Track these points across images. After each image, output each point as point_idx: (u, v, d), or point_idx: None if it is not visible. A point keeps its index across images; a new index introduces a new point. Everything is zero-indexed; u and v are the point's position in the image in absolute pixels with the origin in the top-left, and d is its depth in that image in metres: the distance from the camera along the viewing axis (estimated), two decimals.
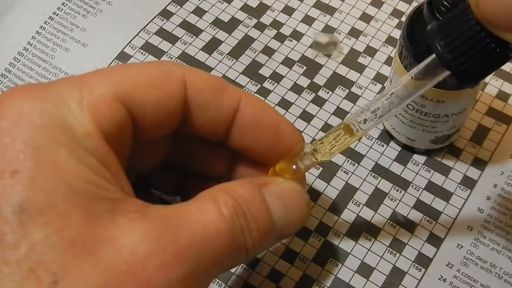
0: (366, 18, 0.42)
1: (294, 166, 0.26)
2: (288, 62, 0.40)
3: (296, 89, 0.39)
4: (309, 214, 0.25)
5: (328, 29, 0.41)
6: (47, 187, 0.19)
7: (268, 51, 0.40)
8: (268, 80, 0.39)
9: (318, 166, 0.36)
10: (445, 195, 0.35)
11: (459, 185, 0.35)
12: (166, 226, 0.20)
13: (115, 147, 0.21)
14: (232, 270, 0.32)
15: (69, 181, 0.19)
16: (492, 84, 0.39)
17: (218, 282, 0.32)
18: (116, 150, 0.21)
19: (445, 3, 0.28)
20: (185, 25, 0.41)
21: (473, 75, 0.23)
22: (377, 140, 0.37)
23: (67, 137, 0.20)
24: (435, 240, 0.33)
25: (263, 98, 0.38)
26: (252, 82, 0.39)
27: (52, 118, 0.20)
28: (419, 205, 0.34)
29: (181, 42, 0.41)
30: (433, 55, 0.23)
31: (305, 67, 0.40)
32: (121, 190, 0.20)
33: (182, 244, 0.20)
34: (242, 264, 0.32)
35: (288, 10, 0.42)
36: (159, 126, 0.23)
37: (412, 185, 0.35)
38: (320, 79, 0.39)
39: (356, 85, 0.39)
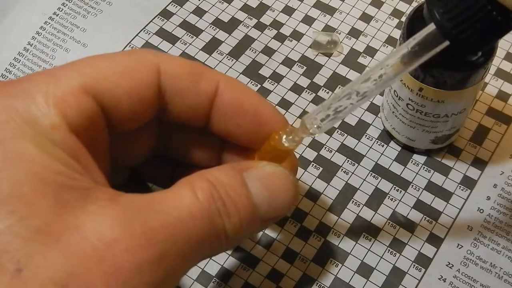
0: (366, 18, 0.42)
1: (282, 145, 0.25)
2: (288, 62, 0.40)
3: (296, 89, 0.39)
4: (296, 197, 0.24)
5: (328, 29, 0.41)
6: (13, 178, 0.19)
7: (268, 51, 0.40)
8: (268, 80, 0.39)
9: (318, 166, 0.36)
10: (445, 195, 0.35)
11: (459, 185, 0.35)
12: (137, 211, 0.20)
13: (87, 139, 0.21)
14: (232, 270, 0.32)
15: (36, 172, 0.19)
16: (492, 84, 0.39)
17: (218, 282, 0.32)
18: (89, 142, 0.21)
19: None
20: (185, 25, 0.41)
21: (473, 44, 0.22)
22: (377, 140, 0.37)
23: (33, 130, 0.20)
24: (435, 240, 0.33)
25: None
26: (252, 82, 0.39)
27: (18, 113, 0.20)
28: (419, 205, 0.34)
29: (181, 42, 0.41)
30: (431, 24, 0.22)
31: (305, 67, 0.40)
32: (92, 180, 0.20)
33: (153, 227, 0.19)
34: (242, 264, 0.32)
35: (288, 10, 0.42)
36: (134, 116, 0.23)
37: (412, 185, 0.35)
38: (320, 79, 0.39)
39: None
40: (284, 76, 0.39)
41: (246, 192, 0.22)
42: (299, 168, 0.36)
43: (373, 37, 0.41)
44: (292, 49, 0.40)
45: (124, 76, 0.22)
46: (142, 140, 0.27)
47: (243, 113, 0.25)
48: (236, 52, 0.40)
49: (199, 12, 0.42)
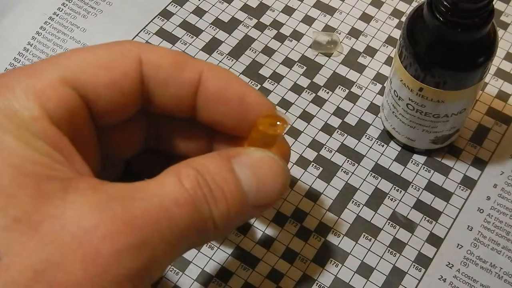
0: (366, 18, 0.42)
1: (269, 129, 0.24)
2: (288, 62, 0.40)
3: (296, 89, 0.39)
4: (287, 182, 0.24)
5: (328, 29, 0.41)
6: None
7: (268, 51, 0.40)
8: (268, 80, 0.39)
9: (318, 166, 0.36)
10: (445, 195, 0.35)
11: (459, 185, 0.35)
12: (120, 199, 0.20)
13: (70, 131, 0.21)
14: (232, 270, 0.32)
15: (16, 164, 0.19)
16: (492, 84, 0.39)
17: (218, 282, 0.32)
18: (73, 134, 0.21)
19: (445, 3, 0.28)
20: (185, 25, 0.41)
21: None
22: (377, 140, 0.37)
23: (13, 123, 0.20)
24: (435, 240, 0.33)
25: None
26: (252, 82, 0.39)
27: None
28: (419, 205, 0.34)
29: (181, 42, 0.41)
30: None
31: (305, 67, 0.40)
32: (75, 171, 0.20)
33: (134, 214, 0.19)
34: (242, 264, 0.32)
35: (288, 10, 0.42)
36: (117, 107, 0.23)
37: (412, 185, 0.35)
38: (320, 79, 0.39)
39: (356, 85, 0.39)
40: (284, 76, 0.39)
41: (233, 178, 0.22)
42: (299, 168, 0.36)
43: (373, 37, 0.41)
44: (292, 49, 0.40)
45: (104, 67, 0.23)
46: (132, 133, 0.27)
47: (227, 100, 0.25)
48: (236, 52, 0.40)
49: (199, 12, 0.42)
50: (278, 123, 0.24)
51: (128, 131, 0.26)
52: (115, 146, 0.26)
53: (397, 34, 0.41)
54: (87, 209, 0.19)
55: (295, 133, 0.37)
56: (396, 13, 0.42)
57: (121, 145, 0.26)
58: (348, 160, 0.36)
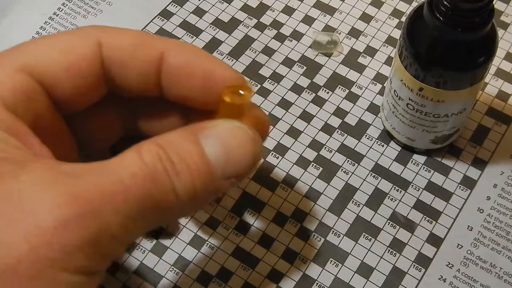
0: (366, 18, 0.42)
1: (234, 98, 0.24)
2: (288, 62, 0.40)
3: (296, 89, 0.39)
4: (259, 151, 0.23)
5: (328, 29, 0.41)
6: None
7: (268, 51, 0.40)
8: (268, 80, 0.39)
9: (318, 166, 0.36)
10: (445, 195, 0.35)
11: (459, 185, 0.35)
12: (73, 175, 0.20)
13: (28, 116, 0.21)
14: (232, 270, 0.32)
15: None
16: (492, 84, 0.39)
17: (218, 282, 0.32)
18: (33, 119, 0.21)
19: (445, 3, 0.28)
20: (185, 25, 0.41)
21: None
22: (377, 140, 0.37)
23: None
24: (435, 240, 0.33)
25: (263, 98, 0.38)
26: (252, 82, 0.39)
27: None
28: (419, 205, 0.34)
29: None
30: None
31: (305, 67, 0.40)
32: (32, 154, 0.21)
33: (85, 187, 0.19)
34: (242, 264, 0.32)
35: (288, 10, 0.42)
36: (79, 91, 0.23)
37: (412, 185, 0.35)
38: (320, 79, 0.39)
39: (356, 85, 0.39)
40: (284, 76, 0.39)
41: (197, 150, 0.22)
42: (299, 168, 0.36)
43: (373, 37, 0.41)
44: (292, 49, 0.40)
45: (62, 52, 0.23)
46: (107, 119, 0.27)
47: (192, 75, 0.25)
48: (236, 52, 0.40)
49: (199, 12, 0.42)
50: (241, 92, 0.24)
51: (102, 117, 0.26)
52: (92, 132, 0.26)
53: (397, 34, 0.41)
54: (38, 186, 0.19)
55: (295, 133, 0.37)
56: (396, 13, 0.42)
57: (97, 131, 0.27)
58: (348, 160, 0.36)
